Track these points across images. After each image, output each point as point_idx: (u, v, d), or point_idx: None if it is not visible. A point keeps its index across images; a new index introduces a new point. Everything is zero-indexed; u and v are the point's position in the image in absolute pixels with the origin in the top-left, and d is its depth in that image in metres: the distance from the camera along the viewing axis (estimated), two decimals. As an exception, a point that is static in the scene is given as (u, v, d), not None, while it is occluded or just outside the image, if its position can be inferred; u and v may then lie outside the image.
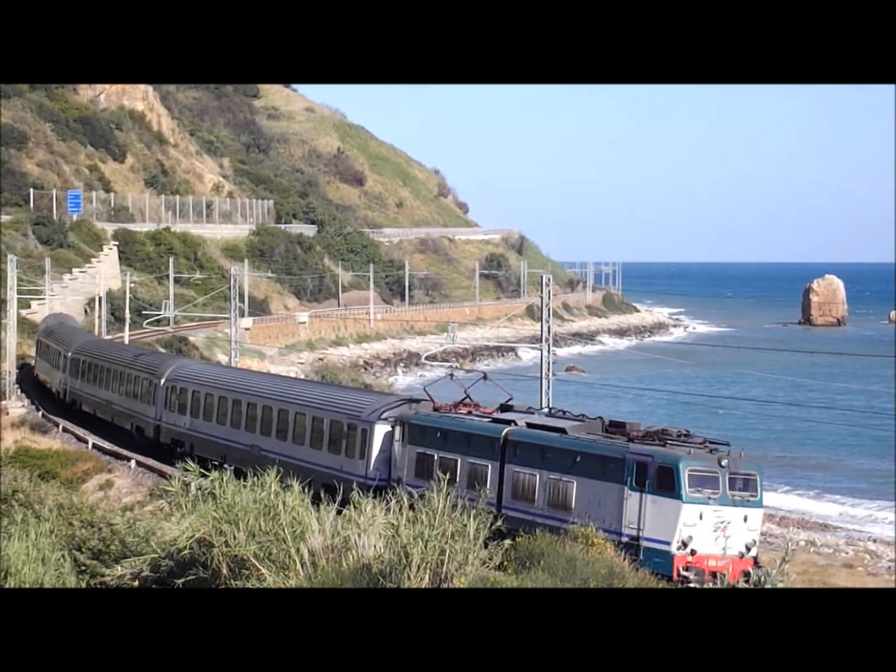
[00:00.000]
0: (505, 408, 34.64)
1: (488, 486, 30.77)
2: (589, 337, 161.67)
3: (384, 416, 35.61)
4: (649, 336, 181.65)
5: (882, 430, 75.96)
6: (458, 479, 31.14)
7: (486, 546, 14.71)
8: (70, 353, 63.32)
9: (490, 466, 31.61)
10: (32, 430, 58.23)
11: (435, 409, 35.25)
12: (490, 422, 33.16)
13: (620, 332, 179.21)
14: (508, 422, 32.34)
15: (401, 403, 36.63)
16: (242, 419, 43.13)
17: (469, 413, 34.65)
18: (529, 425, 31.75)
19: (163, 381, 49.13)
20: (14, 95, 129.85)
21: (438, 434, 33.50)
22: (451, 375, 38.12)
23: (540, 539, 17.08)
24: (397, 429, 34.93)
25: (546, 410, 34.05)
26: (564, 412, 33.41)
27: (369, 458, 35.58)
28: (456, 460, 32.47)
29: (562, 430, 30.75)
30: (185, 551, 16.92)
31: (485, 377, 37.70)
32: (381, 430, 35.46)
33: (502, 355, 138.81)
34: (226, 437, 43.64)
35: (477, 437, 32.48)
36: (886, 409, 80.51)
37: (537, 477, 30.31)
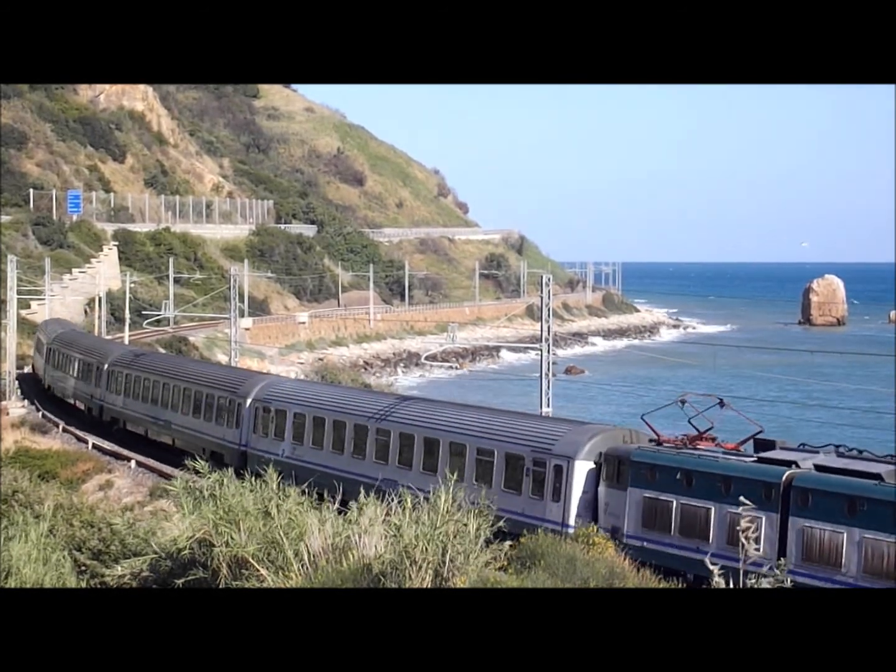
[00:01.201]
0: (762, 443, 28.48)
1: (762, 544, 24.96)
2: (581, 337, 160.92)
3: (586, 449, 29.64)
4: (649, 336, 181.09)
5: (877, 431, 76.11)
6: (711, 533, 26.68)
7: (487, 545, 14.69)
8: (107, 366, 56.46)
9: (764, 519, 25.33)
10: (32, 430, 58.24)
11: (658, 443, 29.40)
12: (755, 461, 27.11)
13: (616, 333, 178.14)
14: (786, 462, 26.45)
15: (602, 433, 30.51)
16: (369, 448, 36.44)
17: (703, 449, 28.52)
18: (819, 468, 25.83)
19: (249, 400, 42.63)
20: (14, 95, 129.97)
21: (678, 475, 27.51)
22: (684, 402, 30.63)
23: (541, 539, 17.11)
24: (606, 466, 29.14)
25: (832, 449, 27.50)
26: (861, 451, 27.16)
27: (568, 501, 29.43)
28: (708, 509, 26.84)
29: (876, 476, 24.49)
30: (185, 551, 16.93)
31: (721, 404, 30.88)
32: (582, 468, 29.46)
33: (491, 356, 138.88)
34: (346, 469, 36.71)
35: (742, 482, 26.21)
36: (877, 409, 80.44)
37: (844, 535, 24.21)
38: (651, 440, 29.82)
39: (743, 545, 9.71)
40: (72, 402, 63.32)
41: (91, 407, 58.55)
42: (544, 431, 31.59)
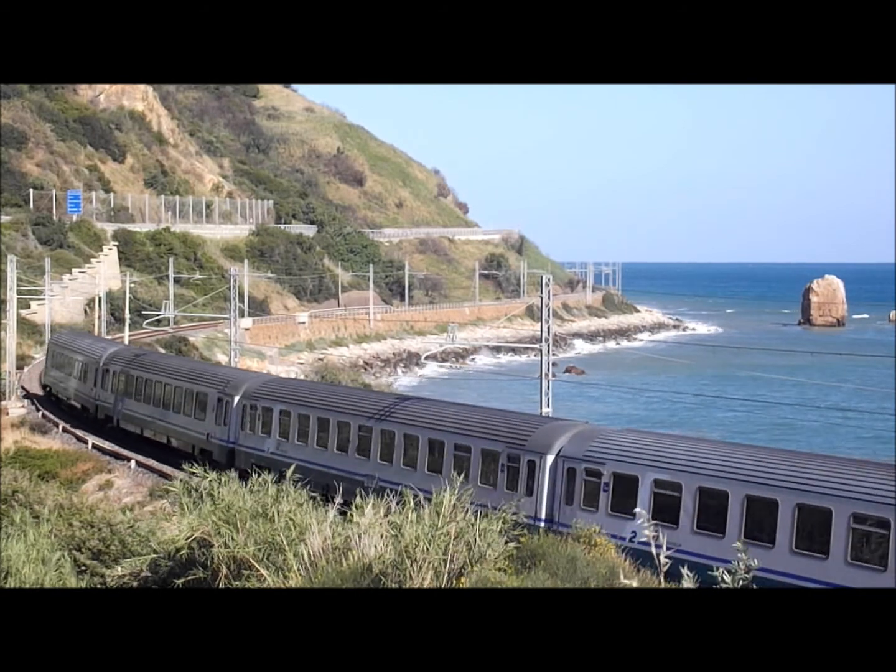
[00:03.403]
0: None
1: None
2: (563, 339, 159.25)
3: None
4: (628, 339, 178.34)
5: (861, 431, 76.43)
6: None
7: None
8: (238, 399, 44.28)
9: None
10: (32, 430, 58.24)
11: None
12: None
13: (595, 335, 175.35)
14: None
15: None
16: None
17: None
18: None
19: (551, 458, 30.47)
20: (14, 95, 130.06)
21: None
22: None
23: (542, 539, 17.10)
24: None
25: None
26: None
27: None
28: None
29: None
30: (184, 551, 16.93)
31: None
32: None
33: (463, 359, 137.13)
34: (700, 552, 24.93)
35: None
36: (862, 409, 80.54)
37: None
38: None
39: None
40: (163, 440, 51.06)
41: (209, 450, 45.92)
42: None
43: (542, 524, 29.05)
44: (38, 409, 65.05)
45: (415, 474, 33.99)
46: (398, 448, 35.66)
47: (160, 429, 51.30)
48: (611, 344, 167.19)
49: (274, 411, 42.15)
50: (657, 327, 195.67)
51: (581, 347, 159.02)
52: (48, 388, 69.57)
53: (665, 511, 26.63)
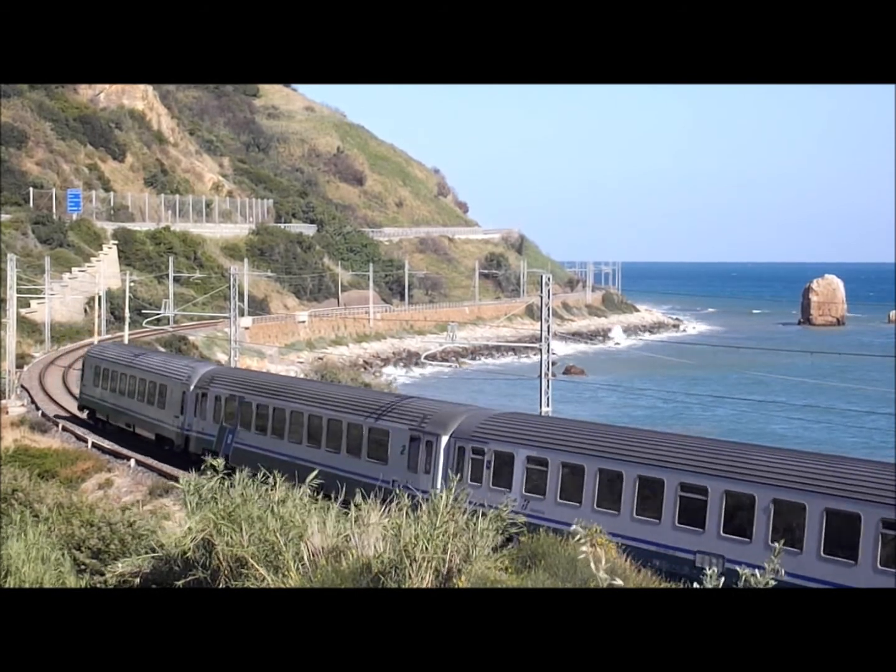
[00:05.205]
0: None
1: None
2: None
3: None
4: (602, 340, 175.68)
5: (854, 432, 76.56)
6: None
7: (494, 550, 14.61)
8: (449, 439, 33.51)
9: None
10: (32, 429, 58.13)
11: None
12: None
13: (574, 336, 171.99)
14: None
15: None
16: None
17: None
18: None
19: None
20: (14, 95, 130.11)
21: None
22: None
23: (543, 539, 17.10)
24: None
25: None
26: None
27: None
28: None
29: None
30: (189, 552, 16.92)
31: None
32: None
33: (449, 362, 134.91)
34: None
35: None
36: (855, 410, 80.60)
37: None
38: None
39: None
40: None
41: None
42: None
43: None
44: (37, 409, 64.98)
45: (797, 559, 23.25)
46: (762, 517, 24.71)
47: (308, 472, 36.64)
48: (594, 346, 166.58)
49: (517, 458, 31.73)
50: (656, 327, 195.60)
51: (560, 349, 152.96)
52: (90, 411, 59.79)
53: None
